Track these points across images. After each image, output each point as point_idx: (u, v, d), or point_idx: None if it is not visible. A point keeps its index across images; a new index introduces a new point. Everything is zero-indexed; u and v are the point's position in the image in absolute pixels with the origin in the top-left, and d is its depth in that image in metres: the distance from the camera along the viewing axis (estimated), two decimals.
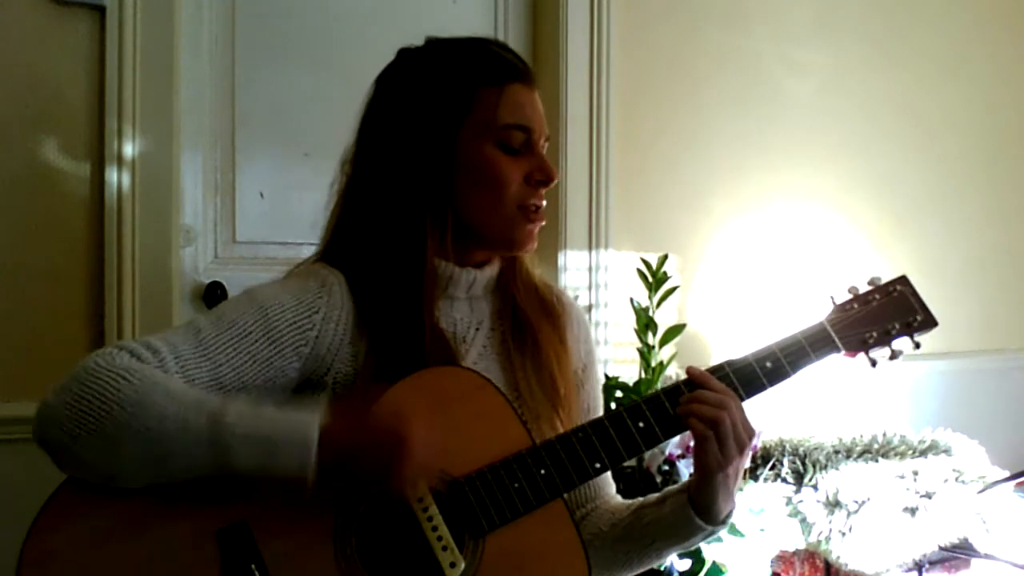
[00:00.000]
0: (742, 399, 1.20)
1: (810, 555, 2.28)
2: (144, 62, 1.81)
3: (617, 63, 2.41)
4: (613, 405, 2.03)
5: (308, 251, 2.16)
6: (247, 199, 2.07)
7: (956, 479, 2.16)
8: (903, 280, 1.31)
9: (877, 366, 1.28)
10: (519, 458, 1.14)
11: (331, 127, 2.14)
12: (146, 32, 1.81)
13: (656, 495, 1.29)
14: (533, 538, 1.13)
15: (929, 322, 1.29)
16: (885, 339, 1.27)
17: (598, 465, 1.16)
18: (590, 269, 2.38)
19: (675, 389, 1.20)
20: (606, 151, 2.39)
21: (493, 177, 1.21)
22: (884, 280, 1.31)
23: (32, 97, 1.75)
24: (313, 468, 1.01)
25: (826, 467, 2.14)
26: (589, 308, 2.36)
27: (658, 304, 2.11)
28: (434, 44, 1.28)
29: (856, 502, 2.07)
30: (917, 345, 1.29)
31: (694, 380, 1.19)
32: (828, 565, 2.21)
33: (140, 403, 1.00)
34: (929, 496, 2.10)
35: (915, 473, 2.14)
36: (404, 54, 1.28)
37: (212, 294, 1.99)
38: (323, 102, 2.14)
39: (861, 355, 1.27)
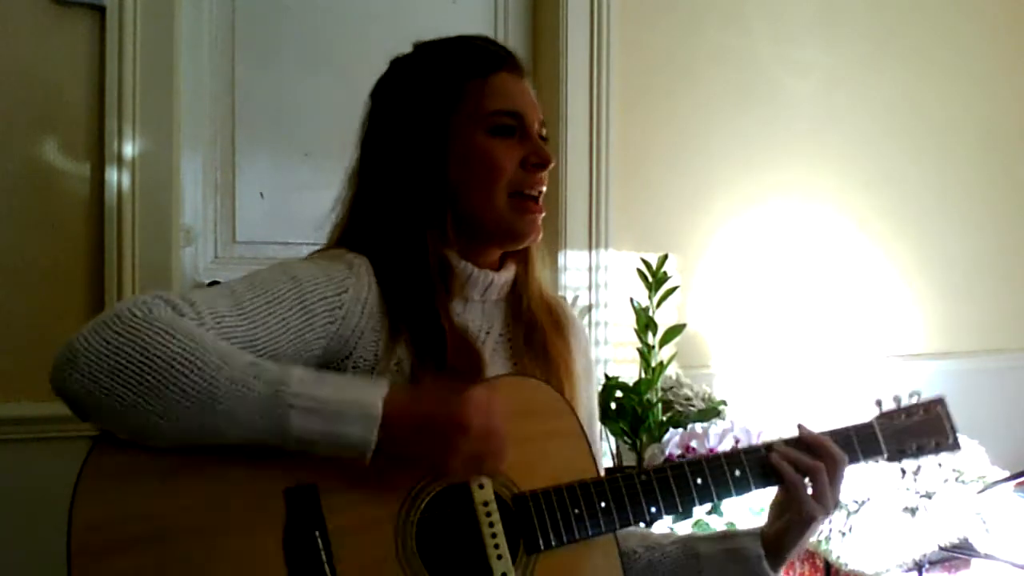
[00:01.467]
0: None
1: (810, 555, 2.28)
2: (144, 62, 1.81)
3: (617, 63, 2.41)
4: (613, 405, 2.03)
5: (308, 251, 2.16)
6: (247, 199, 2.07)
7: (956, 479, 2.16)
8: (942, 402, 1.44)
9: (906, 476, 1.47)
10: (584, 486, 1.16)
11: (331, 127, 2.15)
12: (146, 32, 1.81)
13: (715, 531, 1.36)
14: (582, 565, 1.16)
15: (955, 446, 1.42)
16: (920, 453, 1.39)
17: (654, 510, 1.20)
18: (590, 269, 2.38)
19: (735, 455, 1.25)
20: (606, 151, 2.39)
21: (486, 164, 1.21)
22: (925, 397, 1.43)
23: (32, 97, 1.75)
24: (374, 442, 1.00)
25: None
26: (589, 308, 2.36)
27: (658, 304, 2.11)
28: (421, 47, 1.30)
29: (856, 502, 2.06)
30: (940, 464, 1.47)
31: (804, 440, 1.27)
32: (828, 565, 2.21)
33: (191, 362, 0.96)
34: (929, 496, 2.09)
35: (915, 473, 2.14)
36: (394, 63, 1.30)
37: None
38: (323, 102, 2.14)
39: (895, 462, 1.39)
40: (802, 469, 1.23)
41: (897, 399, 1.41)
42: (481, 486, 1.10)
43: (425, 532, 1.09)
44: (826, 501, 1.22)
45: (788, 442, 1.27)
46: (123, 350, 0.96)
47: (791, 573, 2.29)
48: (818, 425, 1.32)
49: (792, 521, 1.23)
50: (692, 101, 2.57)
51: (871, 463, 1.35)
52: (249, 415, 0.98)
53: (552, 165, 1.25)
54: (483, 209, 1.23)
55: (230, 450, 1.01)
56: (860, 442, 1.32)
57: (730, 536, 1.29)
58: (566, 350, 1.33)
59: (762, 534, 1.26)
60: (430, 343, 1.17)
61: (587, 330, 1.48)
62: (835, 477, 1.24)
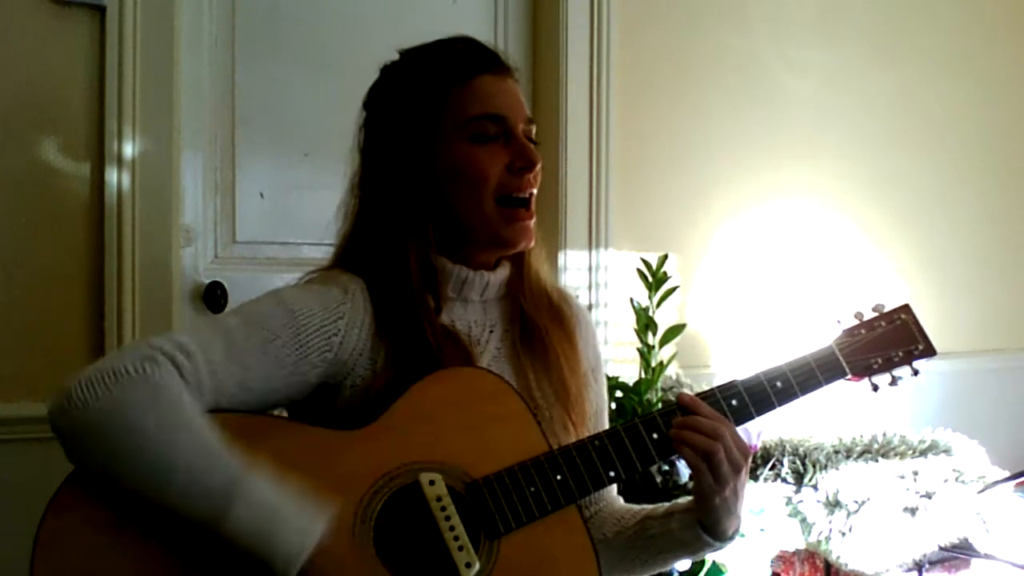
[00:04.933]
0: (752, 417, 1.23)
1: (810, 555, 2.28)
2: (144, 62, 1.81)
3: (617, 62, 2.41)
4: (613, 405, 2.03)
5: (308, 251, 2.18)
6: (247, 199, 2.07)
7: (956, 479, 2.16)
8: (906, 308, 1.35)
9: (878, 391, 1.33)
10: (536, 463, 1.15)
11: (331, 127, 2.14)
12: (146, 32, 1.81)
13: (662, 507, 1.31)
14: (547, 542, 1.14)
15: (929, 351, 1.34)
16: (888, 366, 1.33)
17: (612, 474, 1.18)
18: (590, 269, 2.38)
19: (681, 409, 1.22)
20: (606, 151, 2.39)
21: (470, 172, 1.21)
22: (888, 307, 1.35)
23: (32, 97, 1.75)
24: (303, 558, 1.00)
25: (826, 467, 2.14)
26: (589, 308, 2.35)
27: (658, 304, 2.11)
28: (407, 54, 1.30)
29: (856, 502, 2.06)
30: (916, 372, 1.34)
31: (685, 407, 1.21)
32: (828, 565, 2.21)
33: (160, 441, 1.00)
34: (929, 496, 2.09)
35: (915, 473, 2.14)
36: (383, 71, 1.30)
37: (212, 294, 1.99)
38: (323, 102, 2.14)
39: (865, 380, 1.33)
40: (698, 450, 1.17)
41: (859, 314, 1.34)
42: (432, 482, 1.10)
43: (383, 537, 1.09)
44: (722, 478, 1.17)
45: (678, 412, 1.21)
46: (105, 412, 1.00)
47: (791, 573, 2.29)
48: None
49: (703, 497, 1.20)
50: (692, 101, 2.57)
51: (837, 384, 1.31)
52: (198, 500, 0.99)
53: (540, 165, 1.24)
54: (472, 217, 1.23)
55: None
56: (821, 368, 1.28)
57: (672, 514, 1.27)
58: (570, 347, 1.32)
59: (695, 509, 1.24)
60: (413, 353, 1.17)
61: (594, 324, 1.46)
62: (730, 451, 1.18)
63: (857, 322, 1.34)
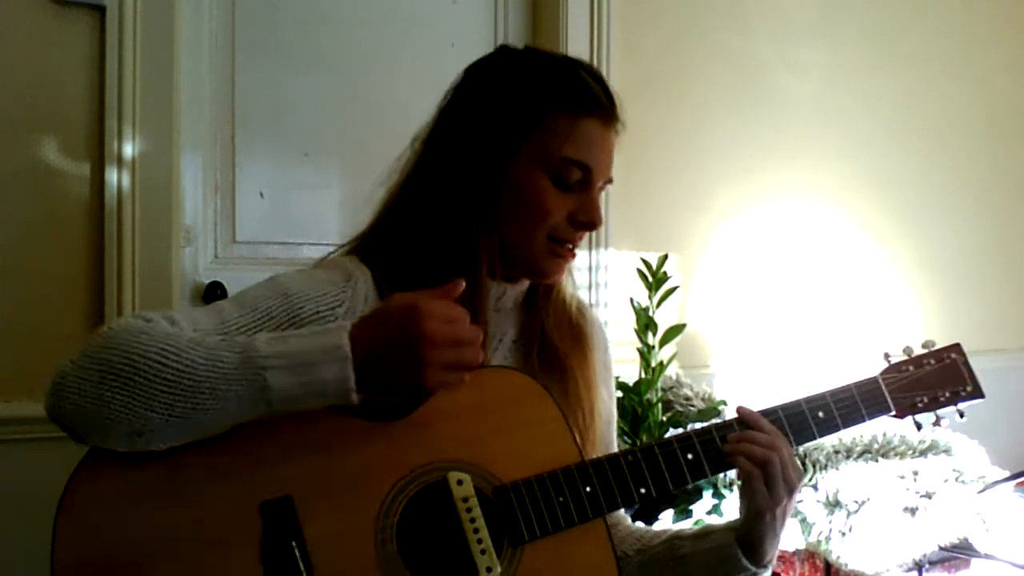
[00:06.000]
0: (791, 445, 1.22)
1: (810, 555, 2.28)
2: (144, 62, 1.81)
3: (617, 63, 2.41)
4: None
5: (308, 251, 2.18)
6: (247, 199, 2.07)
7: (956, 479, 2.16)
8: (957, 348, 1.35)
9: (922, 429, 1.32)
10: (567, 472, 1.14)
11: (331, 127, 2.15)
12: (146, 32, 1.81)
13: (695, 528, 1.30)
14: (570, 553, 1.13)
15: (976, 393, 1.32)
16: (933, 405, 1.31)
17: (643, 491, 1.17)
18: (590, 269, 2.38)
19: (727, 425, 1.21)
20: None
21: (535, 206, 1.19)
22: (938, 345, 1.34)
23: (32, 97, 1.75)
24: (352, 379, 0.99)
25: (826, 467, 2.14)
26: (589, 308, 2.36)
27: (658, 304, 2.11)
28: (530, 52, 1.27)
29: (856, 502, 2.06)
30: (961, 414, 1.32)
31: (745, 420, 1.20)
32: (828, 565, 2.21)
33: (164, 351, 0.98)
34: (929, 496, 2.09)
35: (915, 473, 2.14)
36: (501, 51, 1.26)
37: (212, 294, 1.99)
38: (323, 102, 2.14)
39: (908, 417, 1.30)
40: (754, 459, 1.17)
41: (908, 350, 1.33)
42: (460, 482, 1.09)
43: (405, 533, 1.08)
44: (776, 492, 1.16)
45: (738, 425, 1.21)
46: (105, 359, 0.98)
47: (791, 573, 2.29)
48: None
49: (751, 513, 1.18)
50: (692, 100, 2.57)
51: (879, 419, 1.28)
52: (229, 386, 0.98)
53: (598, 228, 1.23)
54: (518, 241, 1.21)
55: (206, 469, 1.03)
56: (864, 400, 1.26)
57: (709, 534, 1.25)
58: (587, 364, 1.30)
59: (737, 528, 1.22)
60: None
61: (606, 331, 1.45)
62: (786, 464, 1.17)
63: (905, 357, 1.32)
